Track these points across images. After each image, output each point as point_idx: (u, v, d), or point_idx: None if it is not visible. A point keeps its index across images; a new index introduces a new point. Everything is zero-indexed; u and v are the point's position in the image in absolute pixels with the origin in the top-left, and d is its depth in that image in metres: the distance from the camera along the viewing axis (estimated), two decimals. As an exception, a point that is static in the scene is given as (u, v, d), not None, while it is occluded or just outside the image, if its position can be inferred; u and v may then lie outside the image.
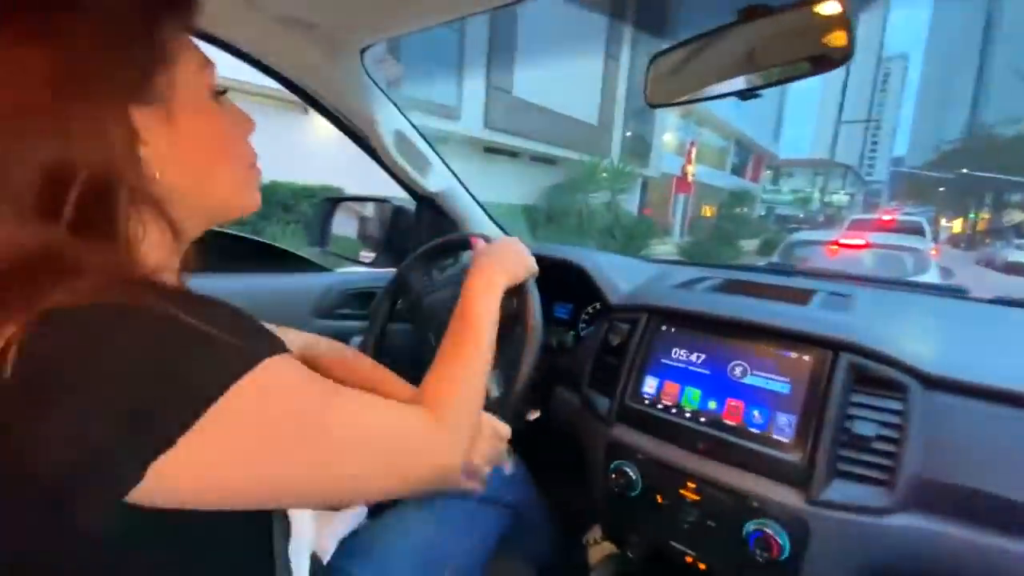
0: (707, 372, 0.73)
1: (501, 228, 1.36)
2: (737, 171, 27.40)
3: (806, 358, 0.67)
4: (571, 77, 11.65)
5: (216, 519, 0.33)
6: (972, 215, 32.77)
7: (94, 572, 0.32)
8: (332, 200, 1.27)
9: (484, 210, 1.31)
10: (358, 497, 0.43)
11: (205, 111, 0.40)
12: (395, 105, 1.01)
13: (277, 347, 0.35)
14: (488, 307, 0.58)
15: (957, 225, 35.76)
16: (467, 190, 1.26)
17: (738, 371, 0.71)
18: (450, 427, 0.45)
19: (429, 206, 1.21)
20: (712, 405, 0.71)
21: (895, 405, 0.61)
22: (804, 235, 5.19)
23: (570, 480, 0.93)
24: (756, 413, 0.67)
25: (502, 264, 0.65)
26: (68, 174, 0.31)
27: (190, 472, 0.30)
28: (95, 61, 0.33)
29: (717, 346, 0.74)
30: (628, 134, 15.16)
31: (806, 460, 0.61)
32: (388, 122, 0.99)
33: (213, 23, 0.74)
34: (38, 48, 0.32)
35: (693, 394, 0.73)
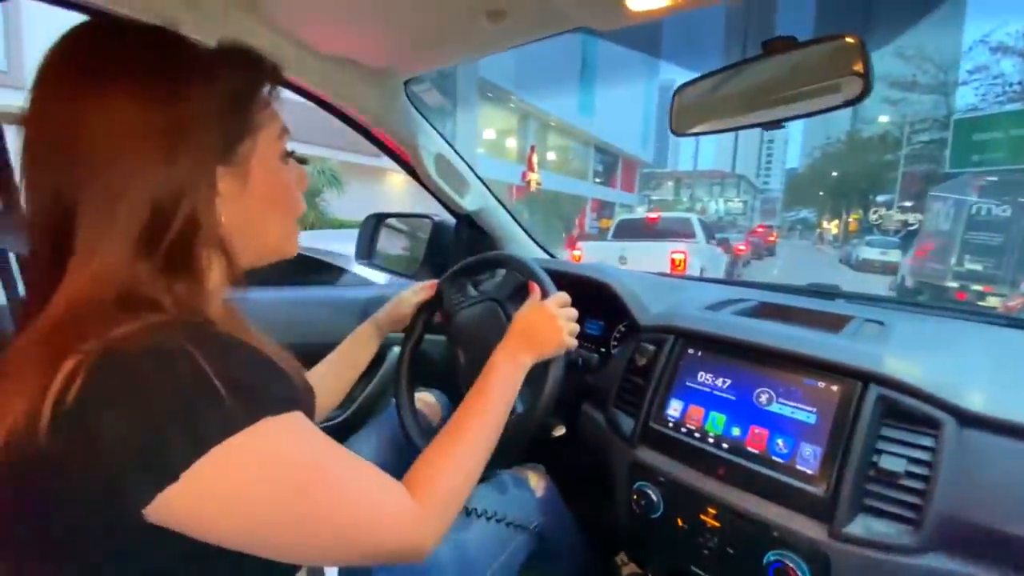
0: (732, 397, 0.73)
1: (540, 245, 1.39)
2: (604, 181, 27.83)
3: (834, 388, 0.66)
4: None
5: None
6: (844, 215, 33.91)
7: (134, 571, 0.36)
8: (377, 216, 1.34)
9: (522, 227, 1.35)
10: (322, 560, 0.44)
11: (274, 170, 0.48)
12: (437, 131, 1.07)
13: (280, 405, 0.38)
14: (506, 387, 0.59)
15: (834, 226, 37.24)
16: (506, 208, 1.30)
17: (764, 398, 0.70)
18: (433, 515, 0.46)
19: (468, 223, 1.26)
20: (736, 431, 0.70)
21: (926, 441, 0.59)
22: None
23: (599, 498, 0.94)
24: (780, 442, 0.67)
25: (534, 340, 0.66)
26: (169, 214, 0.38)
27: (190, 505, 0.34)
28: (199, 128, 0.40)
29: (743, 372, 0.74)
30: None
31: (830, 493, 0.60)
32: (429, 146, 1.06)
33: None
34: (160, 111, 0.39)
35: (718, 419, 0.73)
